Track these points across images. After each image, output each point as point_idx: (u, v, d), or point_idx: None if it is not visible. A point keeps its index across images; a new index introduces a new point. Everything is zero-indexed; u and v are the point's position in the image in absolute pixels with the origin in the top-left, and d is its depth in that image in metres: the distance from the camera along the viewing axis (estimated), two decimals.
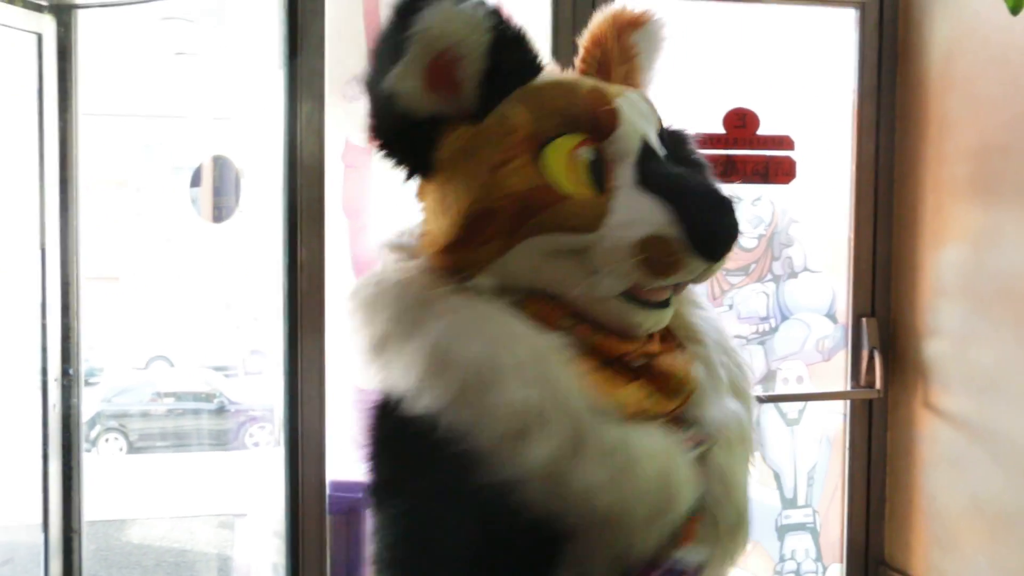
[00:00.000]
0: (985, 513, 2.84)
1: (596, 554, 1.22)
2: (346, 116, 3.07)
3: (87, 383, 3.98)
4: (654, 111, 1.44)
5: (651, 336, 1.40)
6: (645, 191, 1.27)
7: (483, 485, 1.16)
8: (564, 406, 1.20)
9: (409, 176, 1.42)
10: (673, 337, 1.48)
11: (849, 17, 3.20)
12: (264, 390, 3.28)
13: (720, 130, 3.01)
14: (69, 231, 3.60)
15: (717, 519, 1.37)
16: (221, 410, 4.77)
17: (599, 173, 1.31)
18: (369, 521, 1.37)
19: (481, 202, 1.27)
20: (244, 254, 3.48)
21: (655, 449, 1.25)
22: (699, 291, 1.60)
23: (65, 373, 3.65)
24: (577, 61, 1.57)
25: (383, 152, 1.40)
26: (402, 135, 1.36)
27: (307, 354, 2.88)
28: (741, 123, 3.01)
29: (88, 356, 3.91)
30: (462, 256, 1.32)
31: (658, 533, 1.23)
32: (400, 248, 1.49)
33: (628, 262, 1.25)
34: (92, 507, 3.82)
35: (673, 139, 1.48)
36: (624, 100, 1.36)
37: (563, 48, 2.95)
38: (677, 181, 1.29)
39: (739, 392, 1.50)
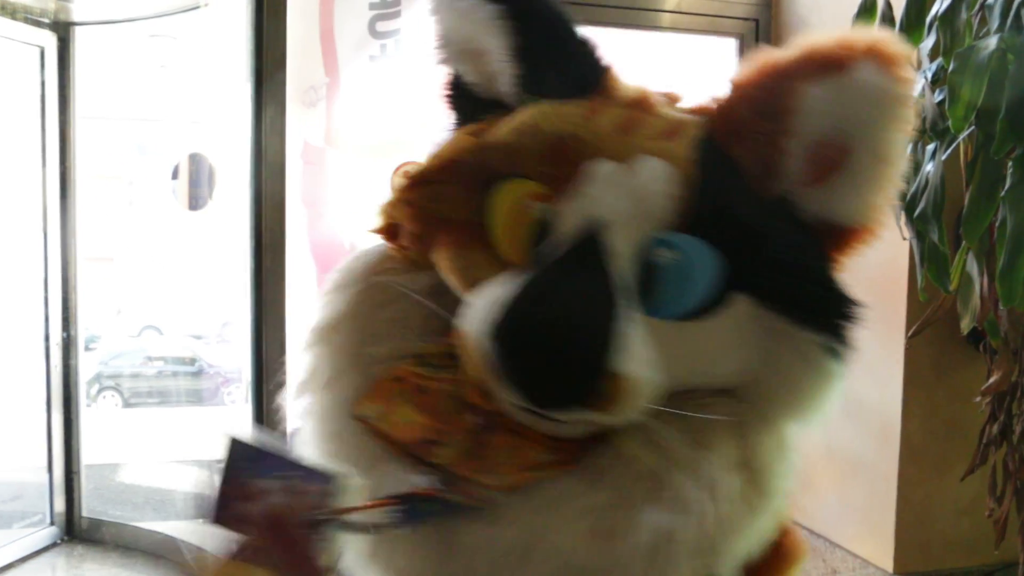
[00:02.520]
0: (836, 460, 3.13)
1: None
2: (305, 120, 3.33)
3: (87, 348, 4.21)
4: (673, 203, 0.93)
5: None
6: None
7: None
8: None
9: None
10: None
11: (730, 46, 3.56)
12: (235, 355, 3.54)
13: None
14: (68, 217, 3.96)
15: None
16: (200, 372, 5.04)
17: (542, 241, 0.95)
18: None
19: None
20: (217, 238, 3.66)
21: None
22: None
23: (64, 337, 4.02)
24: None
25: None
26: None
27: (269, 323, 3.12)
28: None
29: (88, 325, 4.16)
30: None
31: None
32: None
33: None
34: (91, 453, 4.17)
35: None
36: (611, 169, 0.94)
37: None
38: (520, 290, 0.89)
39: None
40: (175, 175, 3.78)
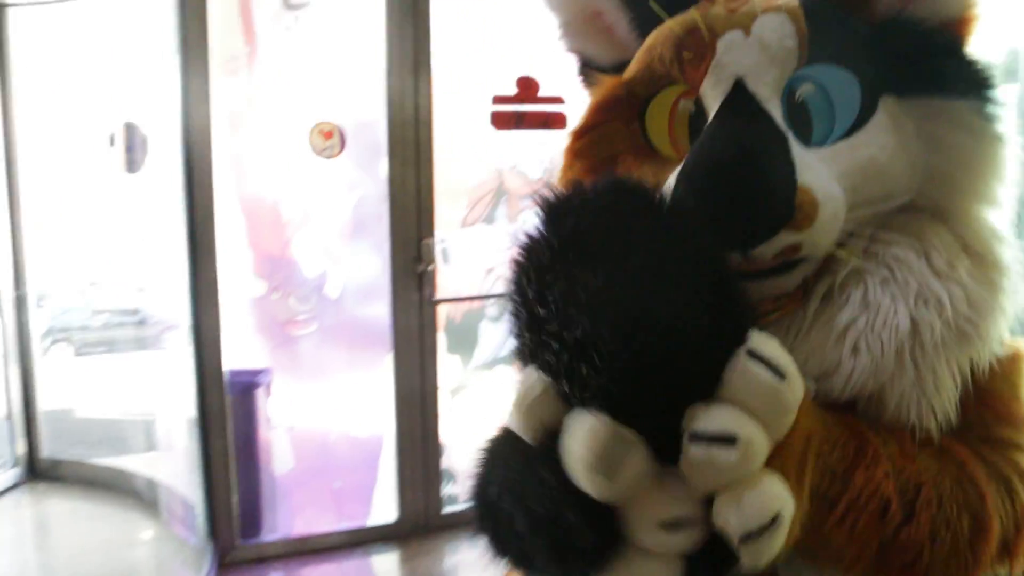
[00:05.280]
0: None
1: None
2: (228, 87, 3.62)
3: (39, 306, 4.50)
4: (803, 42, 1.03)
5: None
6: None
7: None
8: None
9: None
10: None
11: None
12: (174, 304, 3.78)
13: (512, 91, 3.66)
14: (13, 184, 4.23)
15: None
16: (143, 321, 5.25)
17: (698, 129, 1.05)
18: None
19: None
20: (153, 198, 3.88)
21: None
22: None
23: (17, 296, 4.30)
24: None
25: None
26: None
27: (204, 272, 3.34)
28: (528, 86, 3.69)
29: (38, 285, 4.45)
30: None
31: None
32: None
33: None
34: (48, 398, 4.42)
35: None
36: (733, 36, 1.05)
37: None
38: (697, 146, 1.01)
39: None
40: (112, 142, 3.99)
